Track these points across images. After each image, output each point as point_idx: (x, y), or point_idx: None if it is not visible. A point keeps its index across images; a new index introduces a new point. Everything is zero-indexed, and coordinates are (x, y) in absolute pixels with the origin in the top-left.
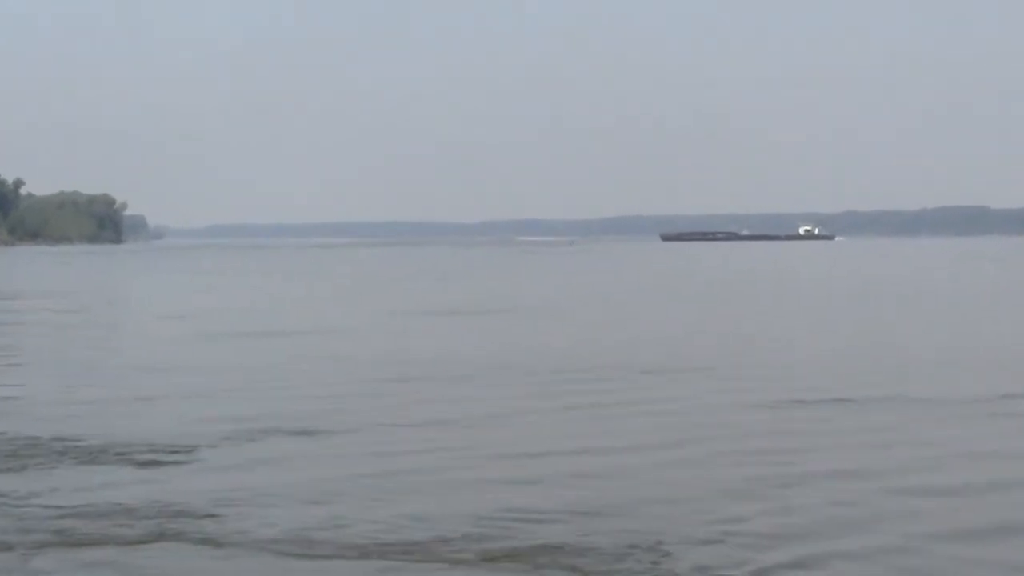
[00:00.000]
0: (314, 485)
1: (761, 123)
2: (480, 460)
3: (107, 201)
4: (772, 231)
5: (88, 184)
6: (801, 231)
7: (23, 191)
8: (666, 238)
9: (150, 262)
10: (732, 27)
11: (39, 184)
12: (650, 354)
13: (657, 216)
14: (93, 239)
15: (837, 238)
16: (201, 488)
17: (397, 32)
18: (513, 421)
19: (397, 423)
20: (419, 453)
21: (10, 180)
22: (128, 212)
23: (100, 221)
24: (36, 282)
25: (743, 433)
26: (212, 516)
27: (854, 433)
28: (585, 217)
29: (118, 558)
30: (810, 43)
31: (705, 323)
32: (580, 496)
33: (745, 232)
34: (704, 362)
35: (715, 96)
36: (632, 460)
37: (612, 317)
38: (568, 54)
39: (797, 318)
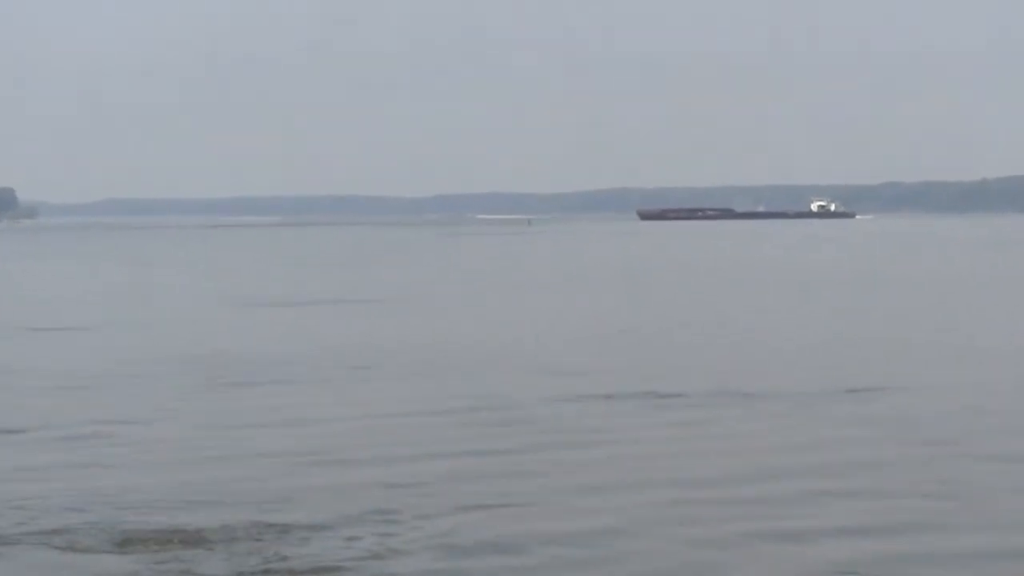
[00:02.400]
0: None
1: (781, 77)
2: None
3: None
4: (788, 207)
5: None
6: (814, 207)
7: None
8: (645, 216)
9: None
10: None
11: None
12: (451, 350)
13: (645, 190)
14: None
15: (859, 216)
16: None
17: None
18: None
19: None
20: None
21: None
22: None
23: None
24: None
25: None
26: None
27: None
28: (559, 190)
29: None
30: None
31: (559, 316)
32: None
33: (758, 208)
34: (499, 357)
35: (719, 35)
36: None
37: (466, 310)
38: None
39: (687, 310)
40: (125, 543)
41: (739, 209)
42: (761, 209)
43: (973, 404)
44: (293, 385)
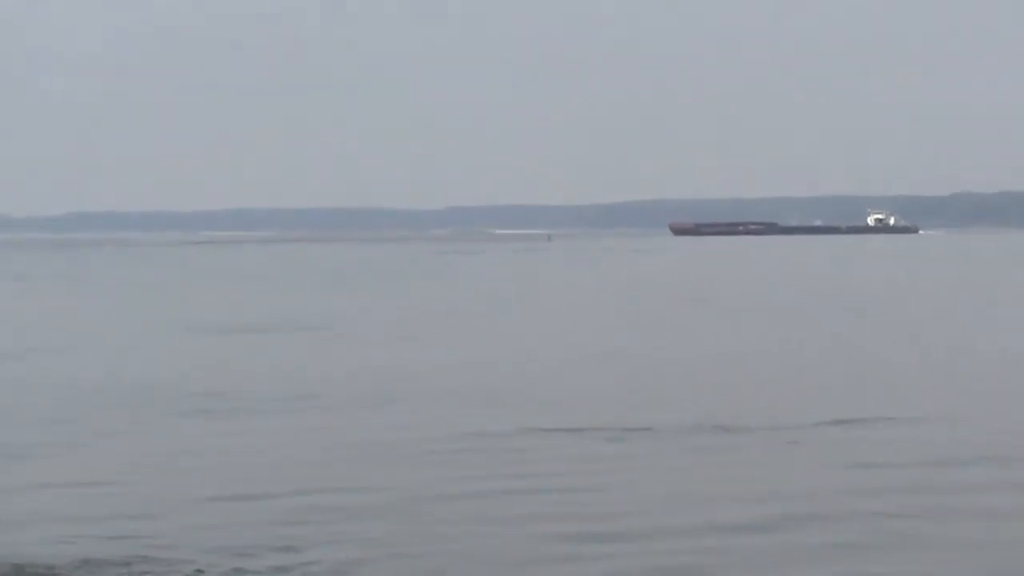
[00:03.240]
0: None
1: (842, 78)
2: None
3: None
4: (842, 220)
5: None
6: (871, 220)
7: None
8: (678, 231)
9: None
10: None
11: None
12: (408, 379)
13: (680, 201)
14: None
15: (922, 231)
16: None
17: None
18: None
19: None
20: None
21: None
22: None
23: None
24: None
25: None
26: None
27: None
28: (584, 202)
29: None
30: None
31: (544, 342)
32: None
33: (813, 222)
34: (463, 387)
35: (772, 41)
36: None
37: (442, 336)
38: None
39: (704, 338)
40: None
41: (785, 223)
42: (817, 223)
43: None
44: (207, 418)
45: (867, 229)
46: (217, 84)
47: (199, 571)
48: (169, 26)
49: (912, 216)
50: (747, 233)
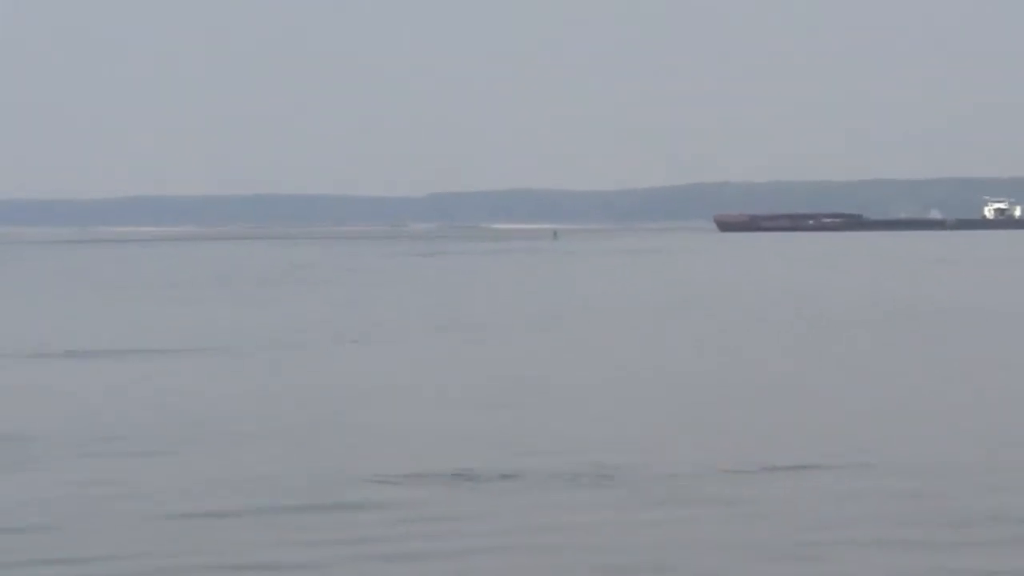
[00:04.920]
0: None
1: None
2: None
3: None
4: (951, 210)
5: None
6: (988, 212)
7: None
8: (726, 225)
9: None
10: None
11: None
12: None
13: (734, 186)
14: None
15: None
16: None
17: None
18: None
19: None
20: None
21: None
22: None
23: None
24: None
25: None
26: None
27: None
28: (615, 186)
29: None
30: None
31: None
32: None
33: (934, 213)
34: (336, 421)
35: None
36: None
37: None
38: None
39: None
40: None
41: (884, 214)
42: (934, 214)
43: None
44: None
45: (983, 223)
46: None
47: None
48: None
49: None
50: (820, 228)
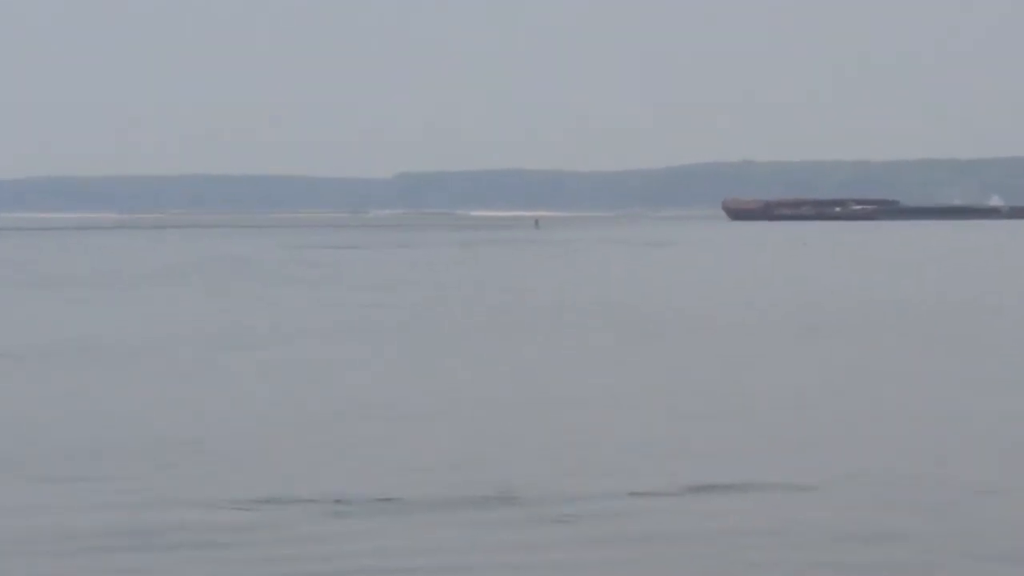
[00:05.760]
0: None
1: None
2: None
3: None
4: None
5: None
6: None
7: None
8: (736, 212)
9: None
10: None
11: None
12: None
13: (758, 165)
14: None
15: None
16: None
17: None
18: None
19: None
20: None
21: None
22: None
23: None
24: None
25: None
26: None
27: None
28: (600, 168)
29: None
30: None
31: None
32: None
33: (995, 200)
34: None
35: None
36: None
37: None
38: None
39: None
40: None
41: (924, 200)
42: (995, 202)
43: None
44: None
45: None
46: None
47: None
48: None
49: None
50: (848, 217)
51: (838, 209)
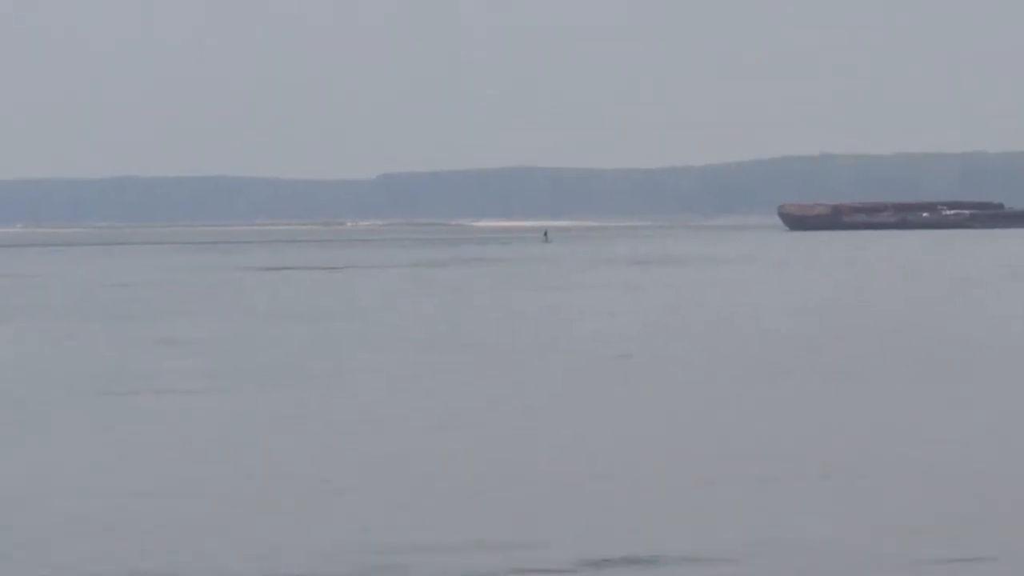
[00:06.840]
0: None
1: None
2: None
3: None
4: None
5: None
6: None
7: None
8: (797, 222)
9: None
10: None
11: None
12: None
13: (810, 159)
14: None
15: None
16: None
17: None
18: None
19: None
20: None
21: None
22: None
23: None
24: None
25: None
26: None
27: None
28: (627, 164)
29: None
30: None
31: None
32: None
33: None
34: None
35: None
36: None
37: None
38: None
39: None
40: None
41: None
42: None
43: None
44: None
45: None
46: None
47: None
48: None
49: None
50: (938, 225)
51: (926, 215)
